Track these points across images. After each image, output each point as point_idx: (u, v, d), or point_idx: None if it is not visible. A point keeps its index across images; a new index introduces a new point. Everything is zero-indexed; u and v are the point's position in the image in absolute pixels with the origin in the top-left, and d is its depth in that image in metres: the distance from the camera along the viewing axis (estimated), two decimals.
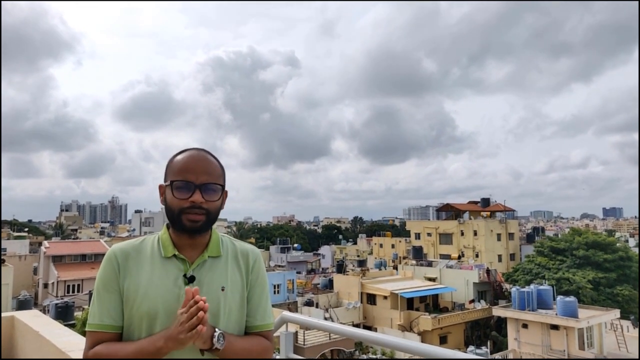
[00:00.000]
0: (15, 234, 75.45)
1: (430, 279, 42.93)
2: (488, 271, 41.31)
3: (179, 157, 1.59)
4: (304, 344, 26.71)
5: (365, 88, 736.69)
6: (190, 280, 1.54)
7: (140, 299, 1.51)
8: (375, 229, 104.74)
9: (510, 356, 30.21)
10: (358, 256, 76.14)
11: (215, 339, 1.45)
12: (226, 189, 1.66)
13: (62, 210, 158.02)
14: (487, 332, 36.64)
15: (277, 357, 2.81)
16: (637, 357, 27.69)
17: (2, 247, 48.55)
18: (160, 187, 1.61)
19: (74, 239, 74.56)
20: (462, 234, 55.60)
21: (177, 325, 1.40)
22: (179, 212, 1.53)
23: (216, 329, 1.48)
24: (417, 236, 61.26)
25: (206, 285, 1.55)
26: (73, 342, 3.12)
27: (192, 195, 1.51)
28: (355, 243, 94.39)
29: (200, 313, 1.36)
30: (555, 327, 29.54)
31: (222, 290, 1.57)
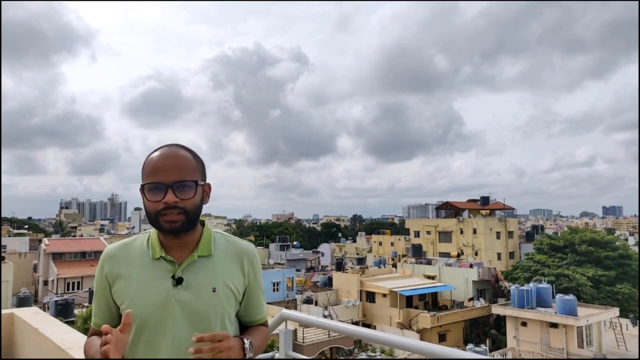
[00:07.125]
0: (15, 231, 75.50)
1: (429, 277, 42.98)
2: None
3: (150, 157, 1.53)
4: (303, 342, 26.72)
5: (376, 85, 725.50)
6: (178, 282, 1.49)
7: (128, 303, 1.49)
8: (375, 227, 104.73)
9: (509, 354, 30.26)
10: (357, 254, 76.10)
11: (247, 350, 1.48)
12: (208, 181, 1.60)
13: (61, 208, 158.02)
14: (486, 330, 36.71)
15: (277, 355, 2.81)
16: (636, 355, 27.72)
17: (2, 244, 48.57)
18: (140, 189, 1.53)
19: (73, 236, 74.73)
20: (462, 232, 55.57)
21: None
22: (155, 215, 1.48)
23: (244, 339, 1.50)
24: (417, 234, 61.26)
25: (196, 286, 1.50)
26: (72, 340, 3.11)
27: (165, 196, 1.45)
28: (354, 241, 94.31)
29: (107, 347, 1.27)
30: (554, 325, 29.60)
31: (214, 291, 1.51)
